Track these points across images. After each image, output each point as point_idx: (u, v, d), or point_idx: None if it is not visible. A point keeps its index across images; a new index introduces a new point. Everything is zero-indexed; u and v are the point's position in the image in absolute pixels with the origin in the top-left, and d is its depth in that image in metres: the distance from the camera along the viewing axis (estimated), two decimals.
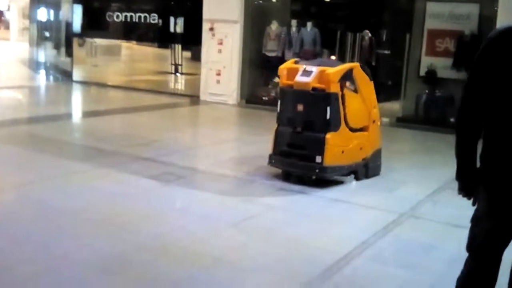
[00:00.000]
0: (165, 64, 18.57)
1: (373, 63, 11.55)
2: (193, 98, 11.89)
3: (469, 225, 4.69)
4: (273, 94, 11.36)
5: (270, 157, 5.80)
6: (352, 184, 5.86)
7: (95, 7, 15.35)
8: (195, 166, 6.29)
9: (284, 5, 12.42)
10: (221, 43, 11.40)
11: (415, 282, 3.67)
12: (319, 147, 5.47)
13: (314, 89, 5.49)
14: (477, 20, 9.90)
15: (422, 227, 4.72)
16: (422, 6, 10.45)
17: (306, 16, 11.97)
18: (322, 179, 5.59)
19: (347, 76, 5.68)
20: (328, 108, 5.46)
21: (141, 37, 18.09)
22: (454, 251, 4.16)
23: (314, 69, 5.55)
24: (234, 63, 11.35)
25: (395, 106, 10.64)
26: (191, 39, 16.04)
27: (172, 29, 17.00)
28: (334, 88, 5.50)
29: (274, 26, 11.43)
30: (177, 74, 16.78)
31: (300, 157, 5.59)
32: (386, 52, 12.21)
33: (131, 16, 14.82)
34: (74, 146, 7.09)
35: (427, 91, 10.30)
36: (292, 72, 5.67)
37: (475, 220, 2.47)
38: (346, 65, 5.88)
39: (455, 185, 5.81)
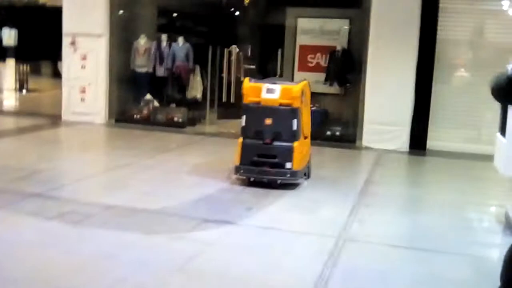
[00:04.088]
0: (4, 81, 16.91)
1: (242, 78, 11.52)
2: (54, 118, 10.84)
3: (402, 243, 4.86)
4: (145, 111, 10.80)
5: (237, 168, 6.33)
6: (304, 185, 6.56)
7: None
8: (98, 200, 5.59)
9: (151, 18, 11.87)
10: (84, 58, 10.53)
11: None
12: (289, 155, 6.25)
13: (280, 104, 6.25)
14: (347, 36, 10.32)
15: (364, 251, 4.64)
16: (293, 22, 10.64)
17: (173, 30, 11.55)
18: (290, 182, 6.37)
19: (303, 92, 6.46)
20: (295, 121, 6.27)
21: None
22: (409, 276, 4.17)
23: (277, 87, 6.30)
24: (100, 80, 10.55)
25: None
26: (40, 53, 14.87)
27: (12, 42, 15.59)
28: (298, 103, 6.32)
29: (142, 41, 10.85)
30: (23, 91, 15.31)
31: (271, 165, 6.27)
32: (253, 67, 12.25)
33: None
34: None
35: None
36: (255, 90, 6.31)
37: None
38: (302, 83, 6.59)
39: (367, 201, 6.04)
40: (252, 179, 6.36)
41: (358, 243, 4.81)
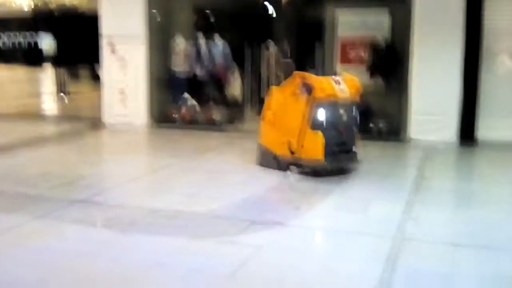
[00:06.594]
0: (45, 85, 17.14)
1: (279, 74, 11.33)
2: (94, 121, 10.85)
3: (462, 242, 4.58)
4: (185, 112, 10.69)
5: (320, 161, 6.50)
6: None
7: None
8: (143, 204, 5.48)
9: (188, 19, 11.76)
10: (123, 61, 10.51)
11: None
12: (354, 140, 6.88)
13: (348, 95, 6.71)
14: (388, 27, 9.99)
15: (424, 251, 4.39)
16: (333, 15, 10.37)
17: (210, 29, 11.41)
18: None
19: None
20: (357, 110, 6.91)
21: (17, 58, 16.57)
22: (474, 277, 3.91)
23: (341, 80, 6.73)
24: (140, 82, 10.51)
25: None
26: (78, 57, 15.01)
27: (51, 47, 15.78)
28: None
29: (180, 41, 10.76)
30: (63, 95, 15.44)
31: (345, 151, 6.74)
32: (291, 61, 12.02)
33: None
34: None
35: None
36: (329, 85, 6.58)
37: None
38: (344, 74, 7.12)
39: (420, 197, 5.77)
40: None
41: (416, 243, 4.56)
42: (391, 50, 9.85)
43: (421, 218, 5.18)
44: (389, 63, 9.86)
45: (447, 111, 8.93)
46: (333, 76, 6.81)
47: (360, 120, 9.68)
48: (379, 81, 10.09)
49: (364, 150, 8.28)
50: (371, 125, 9.83)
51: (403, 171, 7.37)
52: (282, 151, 6.80)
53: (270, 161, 6.92)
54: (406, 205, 5.54)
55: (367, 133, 9.47)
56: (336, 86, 6.59)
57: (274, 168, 6.83)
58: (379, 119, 9.88)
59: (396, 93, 9.74)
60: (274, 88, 7.23)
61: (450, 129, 8.94)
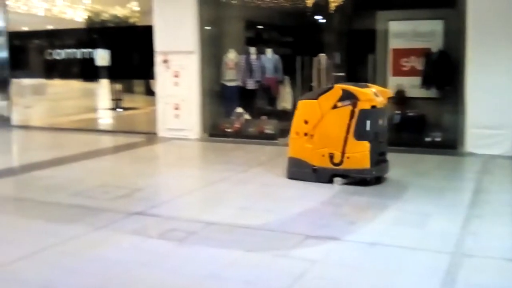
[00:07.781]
0: (99, 100, 17.60)
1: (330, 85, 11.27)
2: (149, 135, 11.09)
3: None
4: (237, 124, 10.80)
5: (369, 170, 6.67)
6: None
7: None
8: (199, 217, 5.55)
9: (239, 32, 11.93)
10: (177, 76, 10.72)
11: None
12: (387, 148, 7.04)
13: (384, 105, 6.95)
14: (442, 37, 9.84)
15: (484, 267, 4.27)
16: (384, 25, 10.30)
17: (261, 42, 11.54)
18: None
19: None
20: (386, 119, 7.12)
21: (75, 73, 17.06)
22: None
23: (375, 90, 6.87)
24: (193, 96, 10.70)
25: None
26: (132, 72, 15.34)
27: (105, 62, 16.18)
28: None
29: (232, 55, 10.91)
30: (118, 109, 15.86)
31: (384, 161, 6.97)
32: (343, 74, 11.97)
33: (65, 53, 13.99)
34: (50, 205, 6.09)
35: (398, 111, 10.05)
36: (373, 95, 6.71)
37: None
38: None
39: (479, 211, 5.63)
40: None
41: (476, 259, 4.44)
42: (446, 60, 9.67)
43: (480, 233, 5.05)
44: (444, 73, 9.69)
45: (505, 123, 8.67)
46: (370, 87, 6.93)
47: (415, 132, 9.74)
48: (435, 92, 9.92)
49: (420, 163, 8.23)
50: (427, 138, 9.65)
51: (460, 184, 7.19)
52: (321, 163, 6.82)
53: (308, 173, 6.93)
54: (464, 220, 5.41)
55: (422, 145, 9.34)
56: (376, 97, 6.73)
57: (311, 181, 6.86)
58: (435, 131, 9.69)
59: (452, 104, 9.54)
60: (303, 102, 7.11)
61: (507, 142, 8.68)
